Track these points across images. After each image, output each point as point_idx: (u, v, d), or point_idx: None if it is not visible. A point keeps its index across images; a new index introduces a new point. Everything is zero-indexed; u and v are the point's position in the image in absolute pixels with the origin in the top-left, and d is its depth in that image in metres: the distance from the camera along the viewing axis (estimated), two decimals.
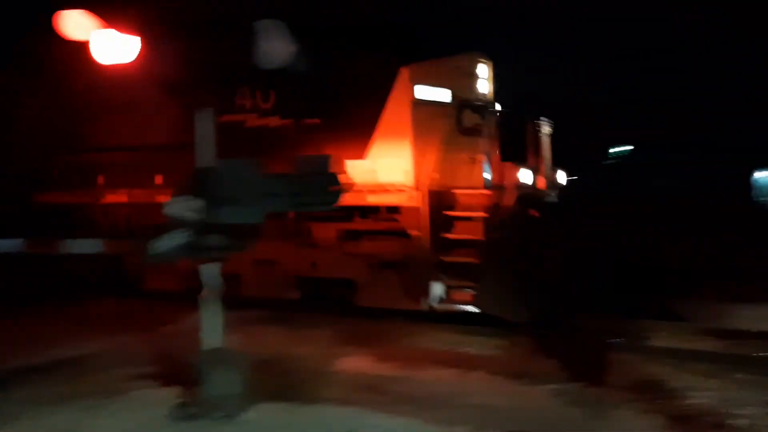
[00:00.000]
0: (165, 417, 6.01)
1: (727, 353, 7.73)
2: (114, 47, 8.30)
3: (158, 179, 10.92)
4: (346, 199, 9.14)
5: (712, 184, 14.74)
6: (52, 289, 11.17)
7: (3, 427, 5.96)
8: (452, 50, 9.36)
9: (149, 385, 6.78)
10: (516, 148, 9.80)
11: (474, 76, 9.27)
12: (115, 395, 6.54)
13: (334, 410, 6.16)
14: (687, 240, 9.54)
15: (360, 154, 9.41)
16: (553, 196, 10.51)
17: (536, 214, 9.71)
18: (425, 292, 9.01)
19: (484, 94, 9.32)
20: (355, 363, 7.62)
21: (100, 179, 11.62)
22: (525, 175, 9.62)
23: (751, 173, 18.77)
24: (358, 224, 9.69)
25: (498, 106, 9.44)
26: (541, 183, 10.20)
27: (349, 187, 9.14)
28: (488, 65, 9.43)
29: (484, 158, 9.02)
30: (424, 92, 9.20)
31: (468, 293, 8.88)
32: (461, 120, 9.15)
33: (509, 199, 9.36)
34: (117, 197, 11.48)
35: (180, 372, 6.49)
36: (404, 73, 9.22)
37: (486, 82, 9.39)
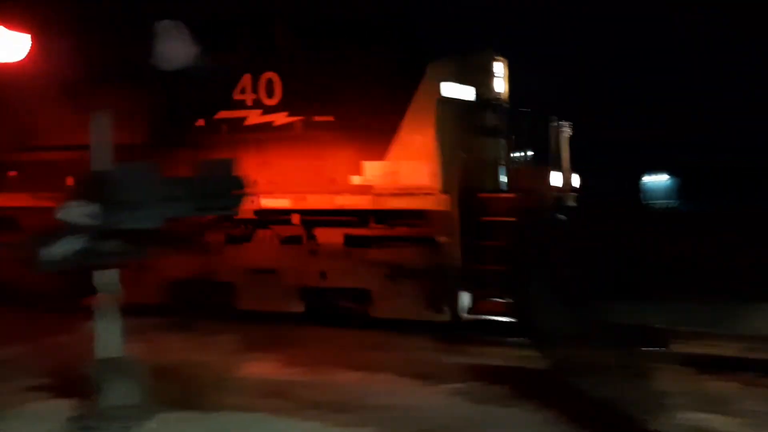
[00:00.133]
0: (61, 431, 5.78)
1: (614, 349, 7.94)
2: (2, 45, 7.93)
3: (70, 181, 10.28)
4: (364, 203, 8.96)
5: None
6: None
7: None
8: (463, 48, 9.08)
9: (44, 398, 6.50)
10: (546, 151, 9.57)
11: (493, 75, 9.05)
12: (6, 409, 6.24)
13: (238, 417, 6.05)
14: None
15: (380, 155, 8.86)
16: (572, 200, 10.24)
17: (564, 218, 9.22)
18: (451, 302, 8.57)
19: (501, 94, 9.09)
20: (260, 369, 7.53)
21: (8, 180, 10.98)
22: (556, 179, 9.41)
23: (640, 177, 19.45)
24: (376, 230, 9.11)
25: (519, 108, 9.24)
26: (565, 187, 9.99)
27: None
28: (504, 63, 9.21)
29: (509, 160, 8.81)
30: (450, 90, 8.73)
31: (500, 302, 8.48)
32: (484, 120, 8.85)
33: (542, 204, 9.03)
34: (23, 201, 10.65)
35: (76, 383, 6.24)
36: (431, 70, 8.74)
37: (503, 80, 9.16)
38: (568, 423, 6.00)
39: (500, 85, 9.14)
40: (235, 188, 6.44)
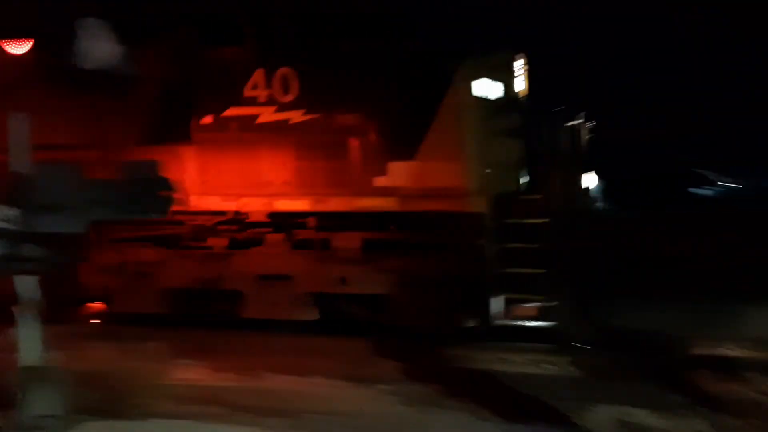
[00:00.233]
0: None
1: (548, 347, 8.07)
2: None
3: None
4: (389, 206, 8.53)
5: None
6: None
7: None
8: (485, 46, 8.90)
9: None
10: (577, 151, 9.34)
11: (515, 73, 8.82)
12: None
13: (166, 424, 5.94)
14: None
15: (408, 155, 8.47)
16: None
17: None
18: (481, 308, 8.28)
19: (523, 92, 8.92)
20: (191, 375, 7.39)
21: None
22: (588, 180, 9.26)
23: None
24: (401, 234, 8.74)
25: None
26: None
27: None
28: (525, 61, 9.02)
29: (535, 160, 8.61)
30: (481, 88, 8.47)
31: (533, 307, 8.28)
32: (510, 119, 8.63)
33: (573, 205, 8.84)
34: None
35: None
36: (462, 68, 8.38)
37: (524, 79, 8.95)
38: (499, 420, 6.04)
39: (521, 83, 8.95)
40: (162, 190, 6.29)
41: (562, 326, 8.07)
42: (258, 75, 8.93)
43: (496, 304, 8.32)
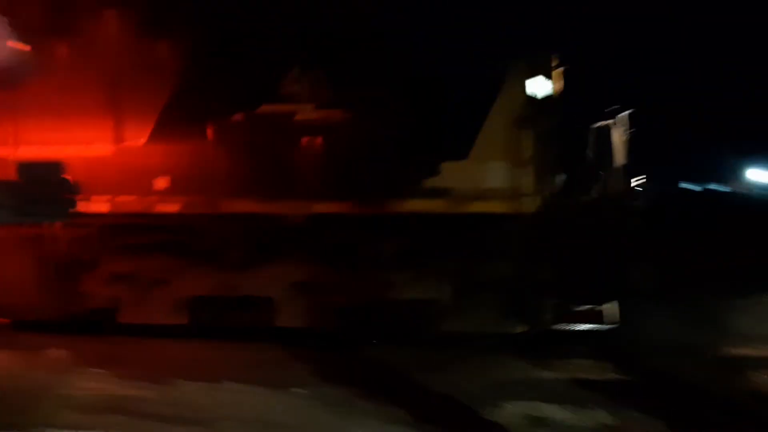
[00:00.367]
0: None
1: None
2: None
3: None
4: (439, 207, 8.26)
5: None
6: None
7: None
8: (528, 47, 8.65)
9: None
10: (628, 152, 9.17)
11: (558, 73, 8.69)
12: None
13: None
14: None
15: (460, 155, 8.31)
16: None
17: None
18: (534, 312, 8.19)
19: (562, 92, 8.79)
20: (95, 384, 7.12)
21: None
22: (638, 181, 9.18)
23: None
24: (451, 236, 8.39)
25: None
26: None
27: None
28: (563, 62, 8.87)
29: (586, 161, 8.53)
30: (535, 87, 8.39)
31: (588, 310, 8.22)
32: (556, 119, 8.48)
33: (625, 206, 8.75)
34: None
35: None
36: (515, 67, 8.38)
37: (560, 79, 8.82)
38: (412, 421, 6.06)
39: (559, 83, 8.84)
40: (63, 193, 6.06)
41: (616, 330, 8.08)
42: (297, 72, 8.64)
43: (548, 308, 8.26)
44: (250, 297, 8.91)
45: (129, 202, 8.91)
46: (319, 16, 8.72)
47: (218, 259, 8.90)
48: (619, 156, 9.19)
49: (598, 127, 9.13)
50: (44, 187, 5.78)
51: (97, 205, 8.77)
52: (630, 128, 9.38)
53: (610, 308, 8.25)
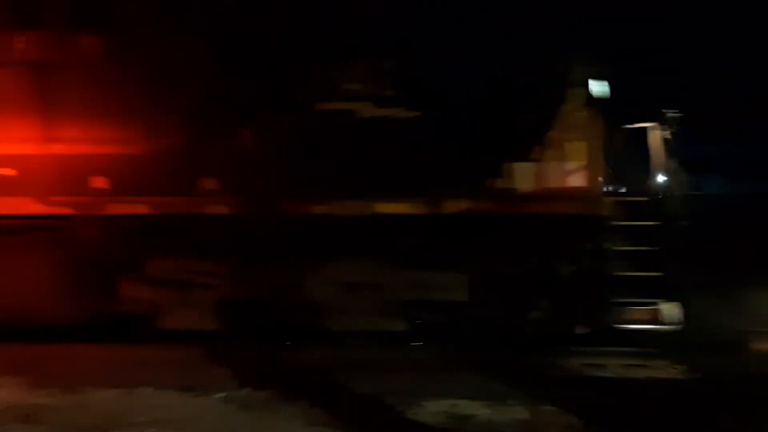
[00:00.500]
0: None
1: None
2: None
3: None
4: (505, 208, 8.27)
5: None
6: None
7: None
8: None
9: None
10: (674, 154, 9.09)
11: (604, 75, 8.66)
12: None
13: None
14: None
15: (526, 155, 8.38)
16: None
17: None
18: (596, 312, 8.28)
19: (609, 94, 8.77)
20: (3, 393, 6.87)
21: None
22: (692, 181, 9.17)
23: None
24: (518, 238, 8.37)
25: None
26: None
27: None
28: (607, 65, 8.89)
29: (648, 160, 8.55)
30: (598, 88, 8.47)
31: (650, 310, 8.27)
32: (613, 119, 8.50)
33: (680, 206, 8.75)
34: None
35: None
36: (580, 68, 8.43)
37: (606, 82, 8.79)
38: (332, 420, 6.08)
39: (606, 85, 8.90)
40: None
41: (681, 330, 8.22)
42: (358, 69, 8.48)
43: (612, 307, 8.34)
44: (303, 299, 8.79)
45: (174, 203, 8.67)
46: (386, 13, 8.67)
47: (268, 261, 8.72)
48: (661, 157, 9.27)
49: (636, 129, 9.24)
50: None
51: (140, 207, 8.64)
52: (675, 130, 9.41)
53: (670, 308, 8.46)
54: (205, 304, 8.78)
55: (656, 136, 9.14)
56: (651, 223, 8.50)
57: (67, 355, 8.17)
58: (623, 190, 9.08)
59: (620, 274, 8.37)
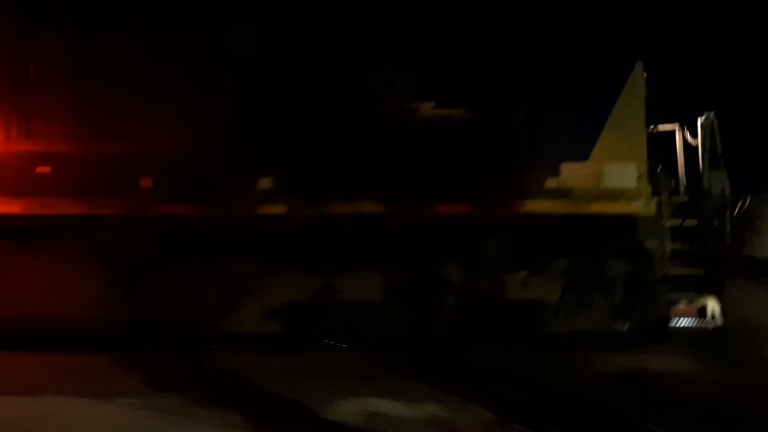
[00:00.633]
0: None
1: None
2: None
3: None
4: (561, 208, 8.21)
5: None
6: None
7: None
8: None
9: None
10: (720, 153, 9.17)
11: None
12: None
13: None
14: None
15: (581, 155, 8.32)
16: None
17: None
18: (646, 310, 8.44)
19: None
20: None
21: None
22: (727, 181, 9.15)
23: None
24: (570, 237, 8.41)
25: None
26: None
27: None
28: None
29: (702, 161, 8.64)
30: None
31: (694, 307, 8.55)
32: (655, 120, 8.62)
33: (718, 206, 8.93)
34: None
35: None
36: (637, 68, 8.45)
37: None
38: (241, 423, 6.04)
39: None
40: None
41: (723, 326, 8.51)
42: (415, 69, 8.30)
43: (662, 305, 8.60)
44: (349, 302, 8.63)
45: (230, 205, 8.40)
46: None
47: (318, 264, 8.54)
48: (699, 158, 9.38)
49: (663, 132, 9.39)
50: None
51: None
52: (714, 132, 9.50)
53: (714, 305, 8.76)
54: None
55: (699, 135, 9.30)
56: (691, 221, 8.86)
57: None
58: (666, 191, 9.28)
59: (666, 272, 8.70)
